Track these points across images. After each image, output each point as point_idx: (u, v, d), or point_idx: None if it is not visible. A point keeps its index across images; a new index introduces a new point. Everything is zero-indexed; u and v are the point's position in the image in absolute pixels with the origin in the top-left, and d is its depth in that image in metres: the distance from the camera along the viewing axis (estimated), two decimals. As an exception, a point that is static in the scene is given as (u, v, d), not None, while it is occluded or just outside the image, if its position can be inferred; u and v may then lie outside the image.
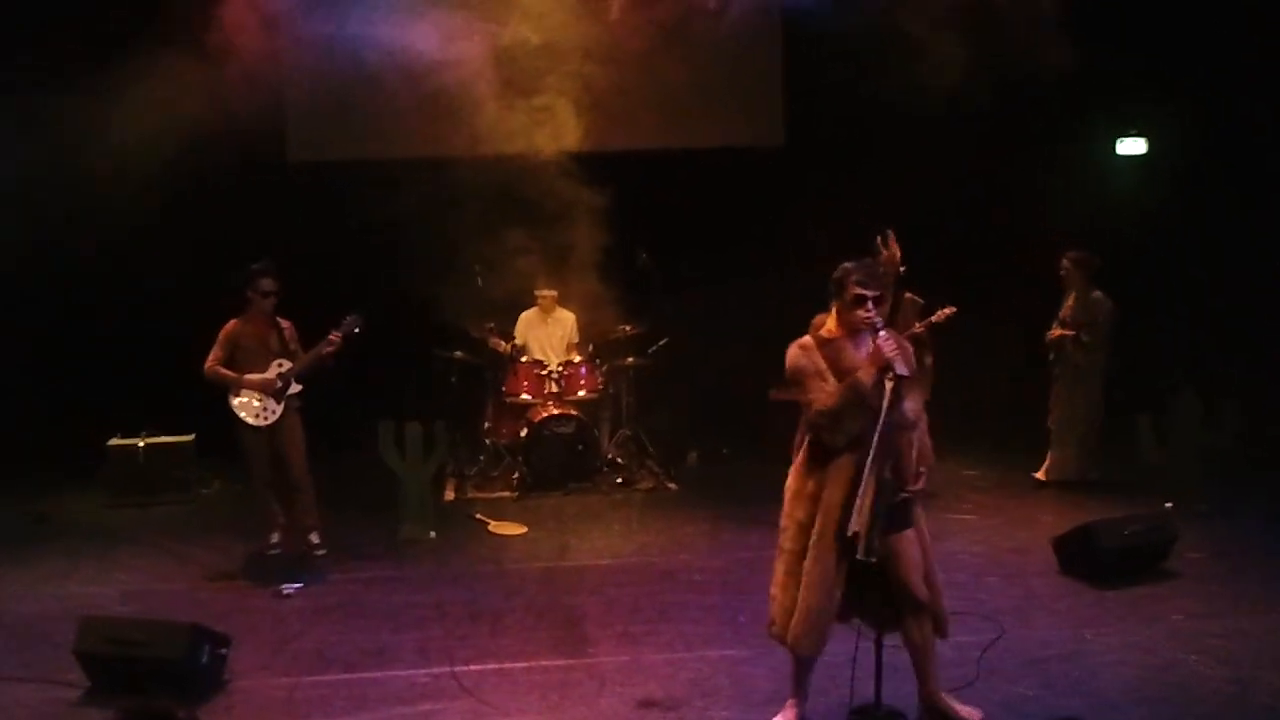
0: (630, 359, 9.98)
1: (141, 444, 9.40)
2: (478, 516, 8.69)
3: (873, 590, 4.80)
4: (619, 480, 9.57)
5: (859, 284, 4.65)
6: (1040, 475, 9.07)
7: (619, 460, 9.86)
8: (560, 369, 9.65)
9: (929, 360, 8.97)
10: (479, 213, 9.79)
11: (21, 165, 9.30)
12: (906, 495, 4.74)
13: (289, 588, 7.00)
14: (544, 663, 5.81)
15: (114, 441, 9.44)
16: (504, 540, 8.19)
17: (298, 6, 8.87)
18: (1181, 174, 10.32)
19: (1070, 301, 8.86)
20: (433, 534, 8.17)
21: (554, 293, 9.92)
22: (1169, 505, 8.00)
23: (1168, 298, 10.22)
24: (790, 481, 4.91)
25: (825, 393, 4.65)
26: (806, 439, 4.85)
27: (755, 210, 10.91)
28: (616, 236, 9.74)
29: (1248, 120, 9.94)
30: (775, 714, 5.05)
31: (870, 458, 4.54)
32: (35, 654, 6.04)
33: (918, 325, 8.78)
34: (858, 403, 4.57)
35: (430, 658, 5.90)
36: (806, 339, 4.83)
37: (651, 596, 6.76)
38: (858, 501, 4.55)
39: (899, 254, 8.71)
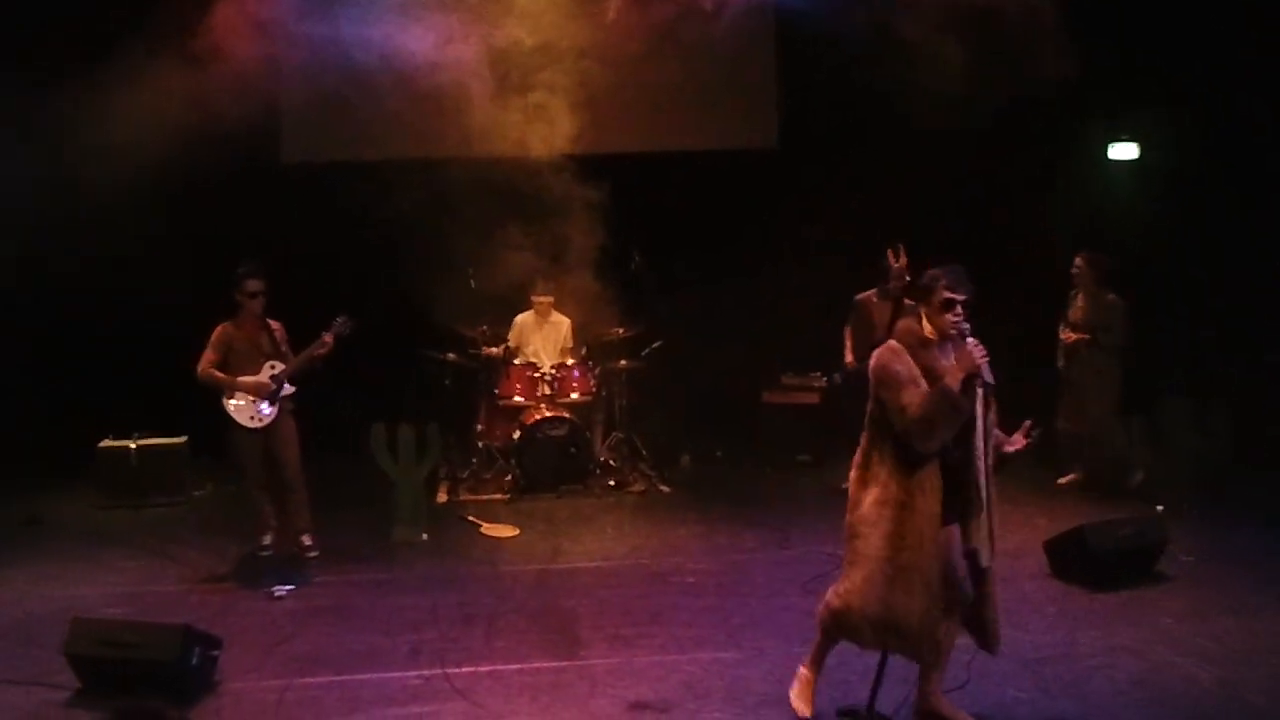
0: (623, 361, 9.99)
1: (134, 446, 9.39)
2: (470, 519, 8.69)
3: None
4: (611, 483, 9.57)
5: (949, 288, 4.66)
6: (1064, 482, 9.05)
7: (611, 463, 9.86)
8: (553, 371, 9.65)
9: None
10: (472, 214, 9.79)
11: (13, 168, 9.28)
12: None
13: (280, 590, 6.99)
14: (536, 665, 5.81)
15: (106, 443, 9.42)
16: (496, 542, 8.19)
17: (291, 9, 8.87)
18: (1173, 178, 10.34)
19: (1081, 303, 8.78)
20: (425, 536, 8.17)
21: (551, 298, 9.92)
22: (1160, 508, 8.04)
23: (1158, 302, 10.22)
24: (871, 490, 4.75)
25: (918, 398, 4.57)
26: (881, 446, 4.74)
27: (749, 213, 10.91)
28: (610, 239, 9.75)
29: (1239, 124, 9.95)
30: (767, 716, 5.06)
31: (979, 466, 4.58)
32: (26, 656, 6.02)
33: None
34: (949, 409, 4.52)
35: (422, 660, 5.90)
36: (895, 343, 4.76)
37: (644, 599, 6.77)
38: (980, 516, 4.60)
39: (906, 264, 8.78)
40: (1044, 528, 7.64)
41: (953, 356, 4.66)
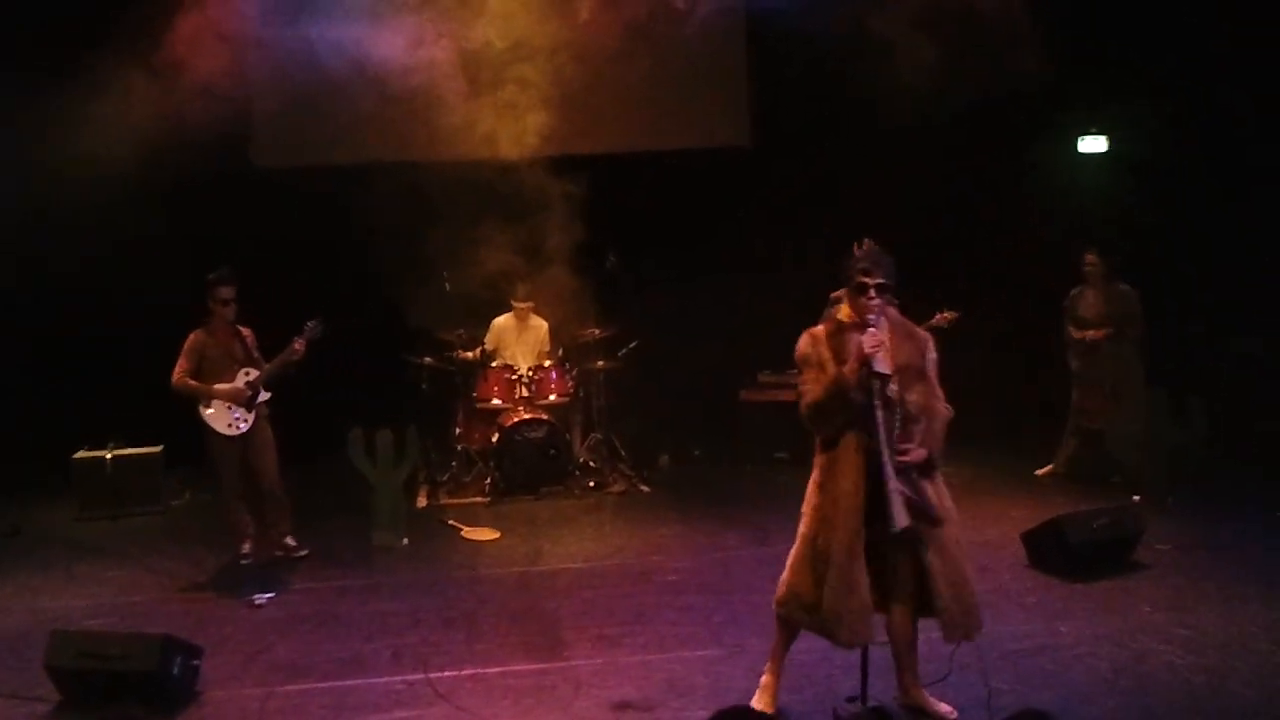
0: (600, 362, 9.99)
1: (109, 456, 9.32)
2: (450, 522, 8.67)
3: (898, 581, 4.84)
4: (591, 484, 9.57)
5: (862, 271, 4.68)
6: (1043, 473, 9.12)
7: (591, 464, 9.86)
8: (530, 373, 9.64)
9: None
10: (446, 217, 9.77)
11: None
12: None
13: (261, 598, 6.96)
14: (519, 667, 5.80)
15: (80, 454, 9.35)
16: (477, 546, 8.17)
17: (260, 13, 8.83)
18: (1143, 171, 10.42)
19: (1092, 299, 8.69)
20: (405, 541, 8.14)
21: (531, 304, 9.91)
22: (1136, 499, 8.10)
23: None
24: (812, 474, 4.93)
25: (817, 384, 4.69)
26: None
27: (723, 211, 10.94)
28: (585, 239, 9.74)
29: (1209, 115, 10.05)
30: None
31: (883, 449, 4.60)
32: (5, 668, 5.98)
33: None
34: (840, 398, 4.61)
35: (405, 665, 5.88)
36: (818, 328, 4.86)
37: (626, 599, 6.77)
38: (887, 493, 4.60)
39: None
40: (1021, 519, 7.69)
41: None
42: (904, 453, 4.68)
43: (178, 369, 7.52)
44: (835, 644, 4.81)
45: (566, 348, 10.05)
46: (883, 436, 4.60)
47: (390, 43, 8.90)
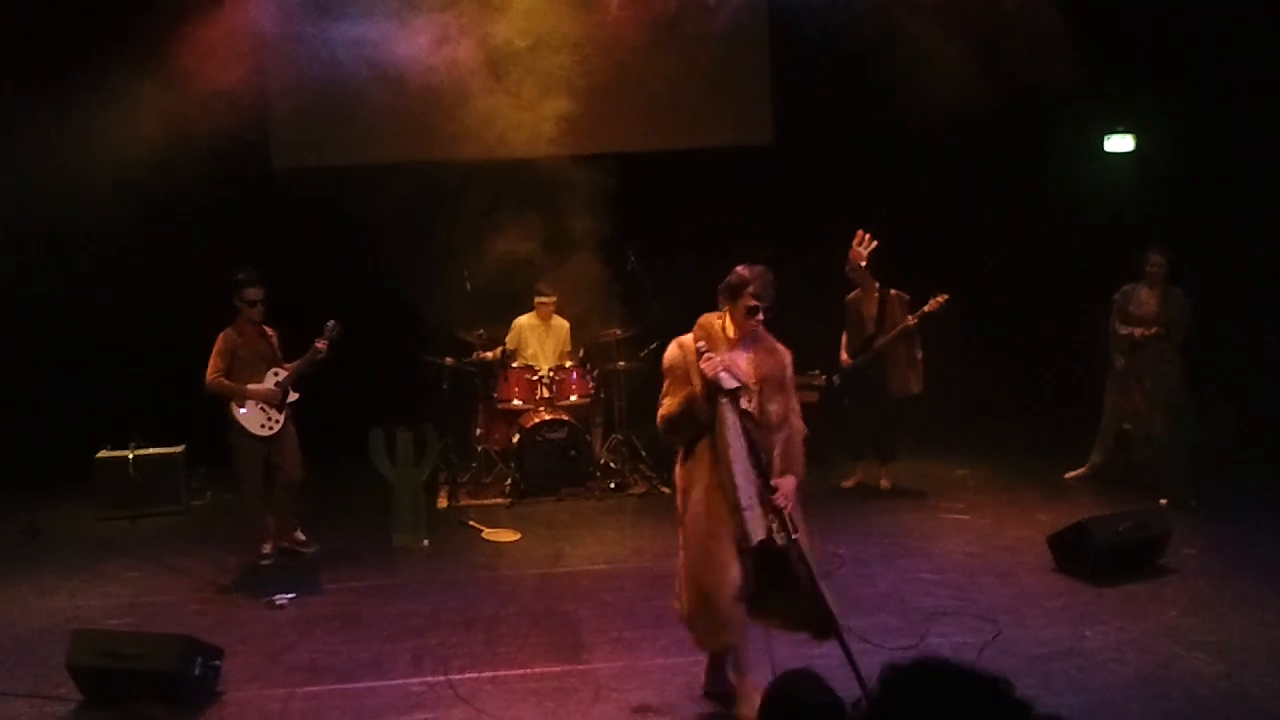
0: (621, 363, 9.95)
1: (131, 455, 9.33)
2: (471, 523, 8.66)
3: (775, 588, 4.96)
4: (612, 485, 9.53)
5: (755, 295, 4.89)
6: (1072, 475, 9.04)
7: (612, 465, 9.83)
8: (551, 374, 9.62)
9: (918, 354, 8.98)
10: (467, 217, 9.77)
11: (6, 179, 9.26)
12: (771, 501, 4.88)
13: (282, 598, 6.97)
14: (539, 670, 5.78)
15: (103, 454, 9.37)
16: (498, 547, 8.16)
17: (280, 14, 8.85)
18: (1170, 170, 10.33)
19: (1147, 298, 8.53)
20: (426, 542, 8.14)
21: (554, 298, 9.89)
22: (1162, 502, 8.01)
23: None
24: (676, 479, 5.16)
25: (673, 398, 4.91)
26: None
27: (744, 210, 10.88)
28: (606, 239, 9.72)
29: (1235, 115, 9.95)
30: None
31: (734, 468, 4.79)
32: (27, 668, 6.00)
33: (910, 318, 8.80)
34: (690, 416, 4.84)
35: (425, 667, 5.87)
36: (687, 337, 5.02)
37: (646, 601, 6.73)
38: (742, 502, 4.80)
39: (862, 250, 8.73)
40: (1046, 522, 7.62)
41: (749, 354, 4.94)
42: (775, 491, 4.87)
43: (211, 369, 7.55)
44: (699, 647, 5.10)
45: (587, 348, 10.02)
46: (735, 455, 4.79)
47: (410, 42, 8.91)
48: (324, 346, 7.71)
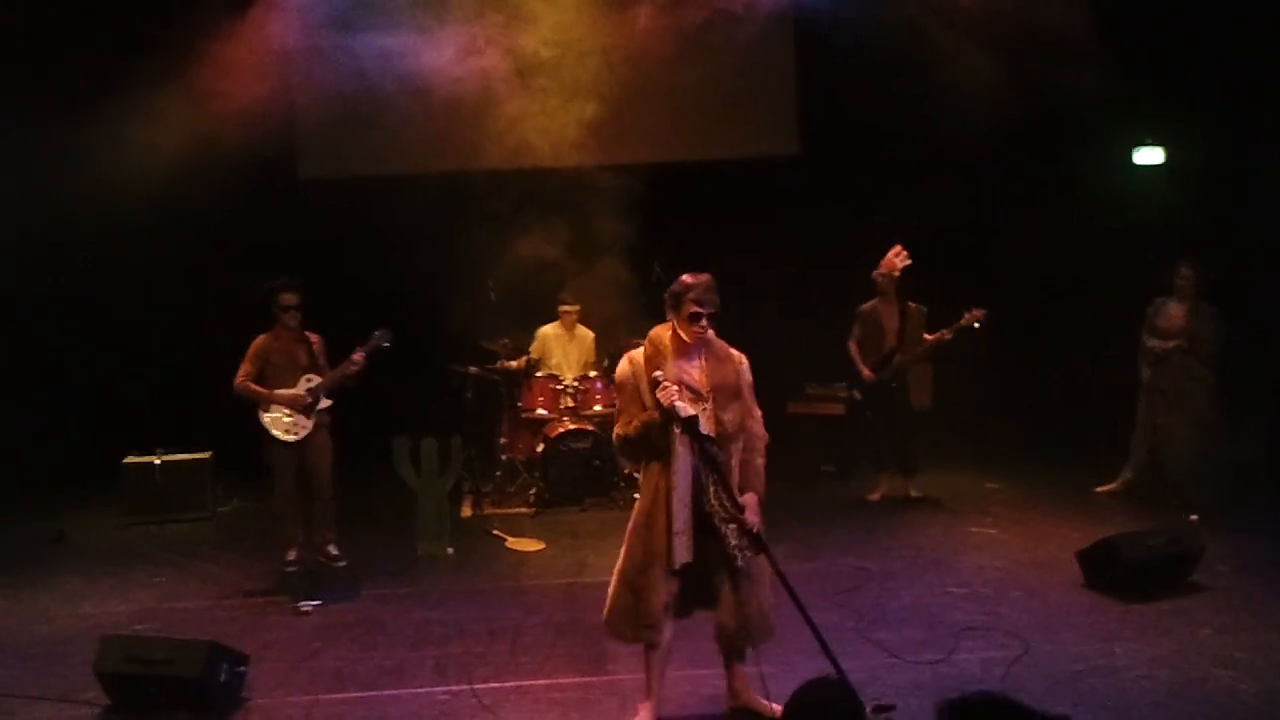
0: (646, 373, 9.92)
1: (158, 462, 9.39)
2: (495, 532, 8.66)
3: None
4: (635, 495, 9.45)
5: (696, 301, 4.87)
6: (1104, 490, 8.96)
7: (635, 475, 9.77)
8: (576, 384, 9.62)
9: (929, 368, 8.96)
10: (492, 226, 9.80)
11: (36, 184, 9.34)
12: (741, 520, 4.88)
13: (307, 605, 6.97)
14: (563, 680, 5.76)
15: (130, 459, 9.43)
16: (521, 556, 8.15)
17: (306, 26, 8.89)
18: (1199, 182, 10.24)
19: (1176, 311, 8.49)
20: (450, 551, 8.14)
21: (578, 307, 9.88)
22: (1194, 518, 7.93)
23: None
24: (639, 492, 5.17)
25: (629, 416, 4.92)
26: None
27: (770, 220, 10.87)
28: (631, 249, 9.72)
29: (1265, 127, 9.86)
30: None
31: (675, 490, 4.81)
32: (55, 673, 6.02)
33: (945, 332, 8.75)
34: (647, 440, 4.85)
35: (449, 676, 5.85)
36: (637, 352, 5.03)
37: (670, 613, 6.69)
38: (675, 527, 4.83)
39: (898, 262, 8.75)
40: (1076, 538, 7.53)
41: (700, 362, 4.94)
42: (743, 510, 4.87)
43: (240, 372, 7.59)
44: (611, 636, 5.18)
45: (612, 358, 10.00)
46: (679, 482, 4.81)
47: (436, 53, 8.93)
48: (360, 358, 7.68)
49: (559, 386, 9.63)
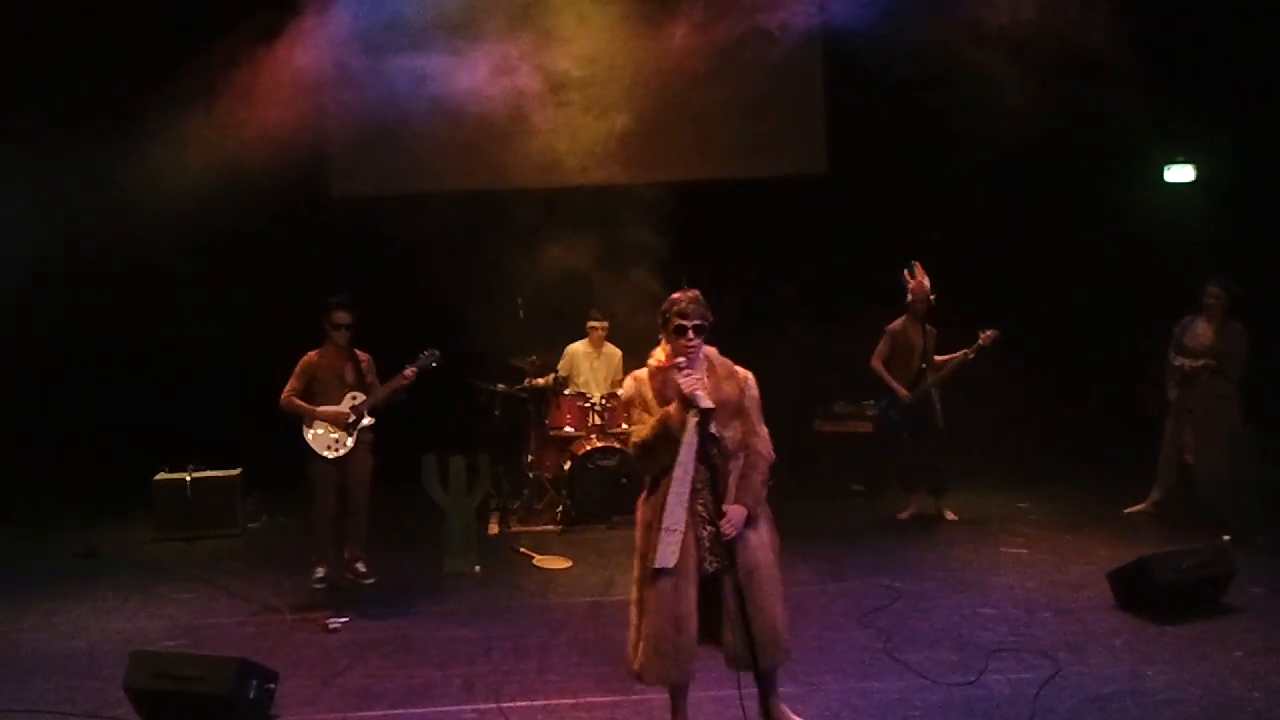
0: (674, 391, 9.92)
1: (189, 478, 9.46)
2: (522, 550, 8.66)
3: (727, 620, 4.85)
4: (661, 513, 9.48)
5: (680, 314, 4.82)
6: (1133, 510, 8.89)
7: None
8: (603, 401, 9.63)
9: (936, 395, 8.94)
10: (520, 244, 9.85)
11: (72, 205, 9.46)
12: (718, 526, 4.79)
13: (335, 622, 7.00)
14: (591, 699, 5.74)
15: (161, 476, 9.51)
16: (549, 574, 8.15)
17: (339, 47, 8.97)
18: (1231, 199, 10.17)
19: (1204, 330, 8.47)
20: (477, 568, 8.15)
21: (606, 323, 9.90)
22: (1226, 538, 7.85)
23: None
24: (637, 513, 5.01)
25: (643, 424, 4.82)
26: None
27: (798, 239, 10.87)
28: (659, 266, 9.73)
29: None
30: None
31: (675, 484, 4.71)
32: (85, 688, 6.06)
33: (968, 352, 8.73)
34: (666, 436, 4.73)
35: (476, 694, 5.85)
36: (642, 370, 4.99)
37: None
38: (667, 524, 4.73)
39: (928, 283, 8.78)
40: (1106, 558, 7.48)
41: (703, 379, 4.81)
42: (724, 520, 4.78)
43: (286, 388, 7.67)
44: (644, 682, 4.93)
45: (640, 376, 10.01)
46: (680, 474, 4.72)
47: (467, 72, 8.99)
48: (411, 374, 7.73)
49: (587, 404, 9.64)
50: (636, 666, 4.91)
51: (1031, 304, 9.84)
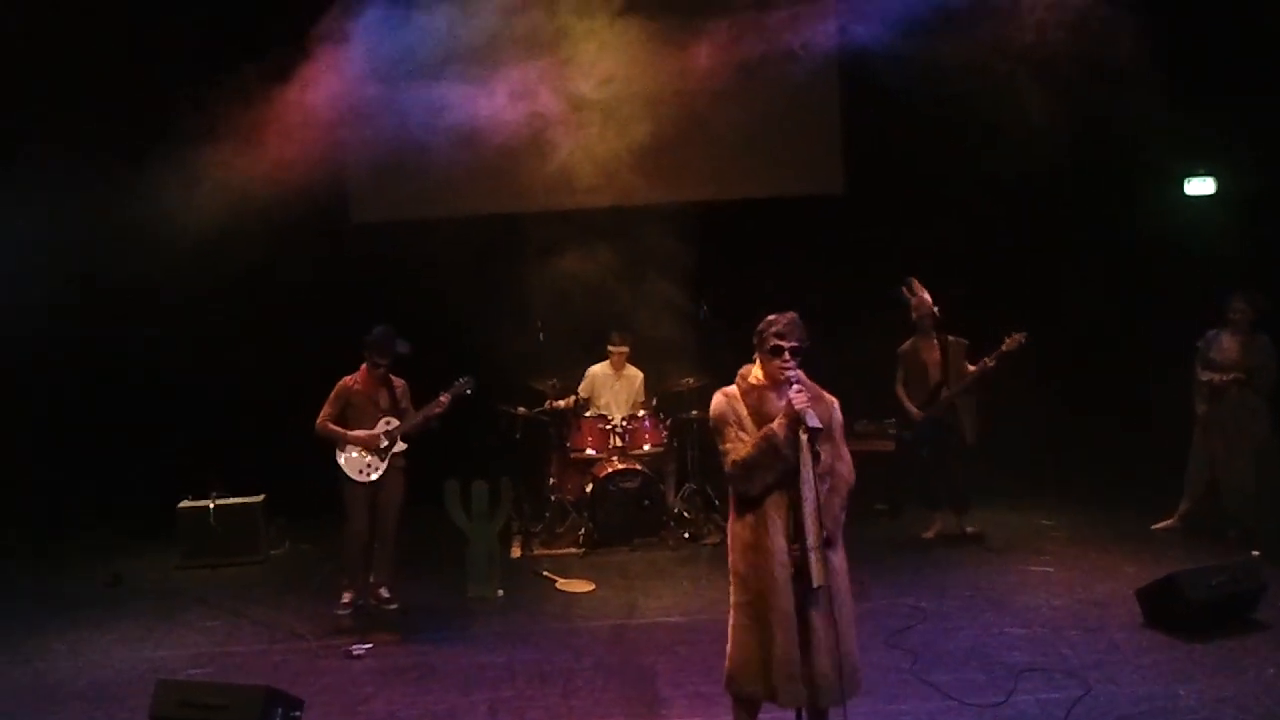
0: (694, 412, 9.90)
1: (212, 505, 9.48)
2: (545, 574, 8.65)
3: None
4: (686, 535, 9.47)
5: (778, 335, 4.77)
6: (1160, 527, 8.84)
7: (685, 514, 9.77)
8: (624, 423, 9.62)
9: (973, 403, 8.88)
10: (540, 267, 9.87)
11: (94, 233, 9.54)
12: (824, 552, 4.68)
13: (359, 648, 6.99)
14: (617, 724, 5.73)
15: (185, 504, 9.53)
16: (571, 598, 8.13)
17: (356, 78, 9.04)
18: (1252, 213, 10.11)
19: (1229, 344, 8.42)
20: (501, 592, 8.14)
21: (626, 347, 9.90)
22: (1256, 553, 7.77)
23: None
24: (731, 535, 4.88)
25: (742, 443, 4.72)
26: (729, 489, 4.91)
27: (816, 259, 10.86)
28: (677, 288, 9.74)
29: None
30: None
31: (805, 509, 4.61)
32: (111, 717, 6.08)
33: (988, 360, 8.67)
34: (772, 454, 4.63)
35: (501, 719, 5.84)
36: (731, 388, 4.92)
37: (723, 655, 6.59)
38: (810, 543, 4.61)
39: (928, 297, 8.75)
40: (1133, 575, 7.43)
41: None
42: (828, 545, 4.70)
43: (322, 414, 7.74)
44: (780, 705, 4.73)
45: (660, 397, 10.01)
46: (808, 494, 4.62)
47: (485, 97, 9.03)
48: (446, 400, 7.79)
49: (608, 426, 9.63)
50: (767, 692, 4.71)
51: (1051, 318, 9.78)
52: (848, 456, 4.93)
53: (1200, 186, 10.74)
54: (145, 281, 9.77)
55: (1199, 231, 10.35)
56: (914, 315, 8.92)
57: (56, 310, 9.78)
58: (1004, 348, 8.61)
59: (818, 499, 4.64)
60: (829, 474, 4.77)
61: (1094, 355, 10.44)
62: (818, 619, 4.64)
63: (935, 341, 8.90)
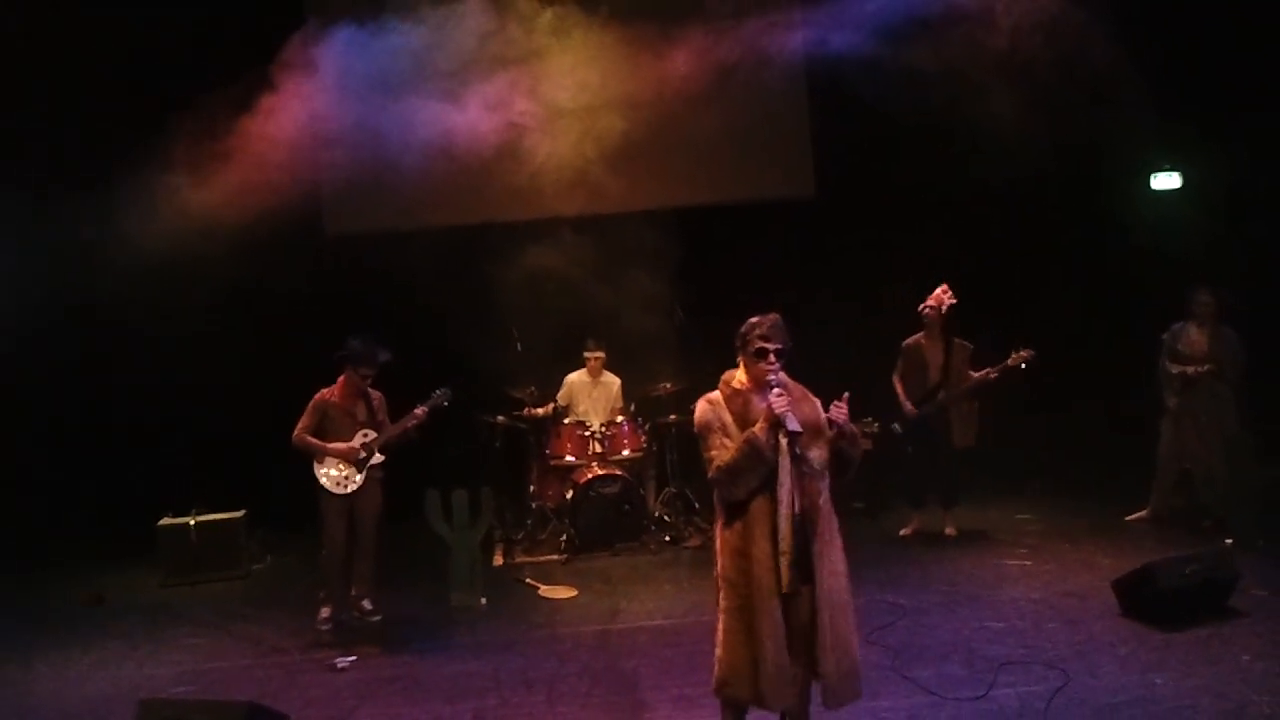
0: (672, 416, 9.96)
1: (192, 522, 9.45)
2: (527, 581, 8.67)
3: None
4: (667, 539, 9.51)
5: (762, 337, 4.77)
6: (1134, 518, 8.93)
7: (666, 518, 9.81)
8: (603, 429, 9.65)
9: (975, 406, 8.93)
10: (515, 276, 9.89)
11: (68, 251, 9.51)
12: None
13: (342, 661, 7.00)
14: (602, 728, 5.75)
15: (165, 521, 9.50)
16: (554, 604, 8.15)
17: (332, 89, 9.05)
18: (1218, 206, 10.24)
19: (1197, 336, 8.51)
20: (483, 601, 8.15)
21: (602, 353, 9.93)
22: (1228, 542, 7.87)
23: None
24: (720, 540, 4.85)
25: (725, 449, 4.71)
26: (716, 495, 4.88)
27: (790, 262, 10.93)
28: (652, 294, 9.78)
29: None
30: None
31: (781, 511, 4.60)
32: (95, 738, 6.07)
33: (991, 372, 8.72)
34: (755, 458, 4.62)
35: (487, 727, 5.87)
36: (714, 394, 4.90)
37: (706, 657, 6.50)
38: (781, 548, 4.60)
39: (938, 298, 8.80)
40: (1109, 566, 7.52)
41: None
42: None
43: (299, 425, 7.72)
44: (768, 710, 4.74)
45: (638, 402, 10.05)
46: (783, 497, 4.61)
47: (458, 109, 9.06)
48: (422, 413, 7.80)
49: (587, 433, 9.67)
50: (754, 697, 4.69)
51: (1021, 315, 9.86)
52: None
53: (1166, 181, 10.88)
54: (121, 299, 9.75)
55: (1165, 226, 10.49)
56: (924, 313, 8.92)
57: (32, 331, 9.74)
58: (1009, 363, 8.64)
59: (794, 504, 4.63)
60: (827, 470, 4.77)
61: (1063, 350, 10.52)
62: (806, 623, 4.66)
63: (941, 343, 8.92)
